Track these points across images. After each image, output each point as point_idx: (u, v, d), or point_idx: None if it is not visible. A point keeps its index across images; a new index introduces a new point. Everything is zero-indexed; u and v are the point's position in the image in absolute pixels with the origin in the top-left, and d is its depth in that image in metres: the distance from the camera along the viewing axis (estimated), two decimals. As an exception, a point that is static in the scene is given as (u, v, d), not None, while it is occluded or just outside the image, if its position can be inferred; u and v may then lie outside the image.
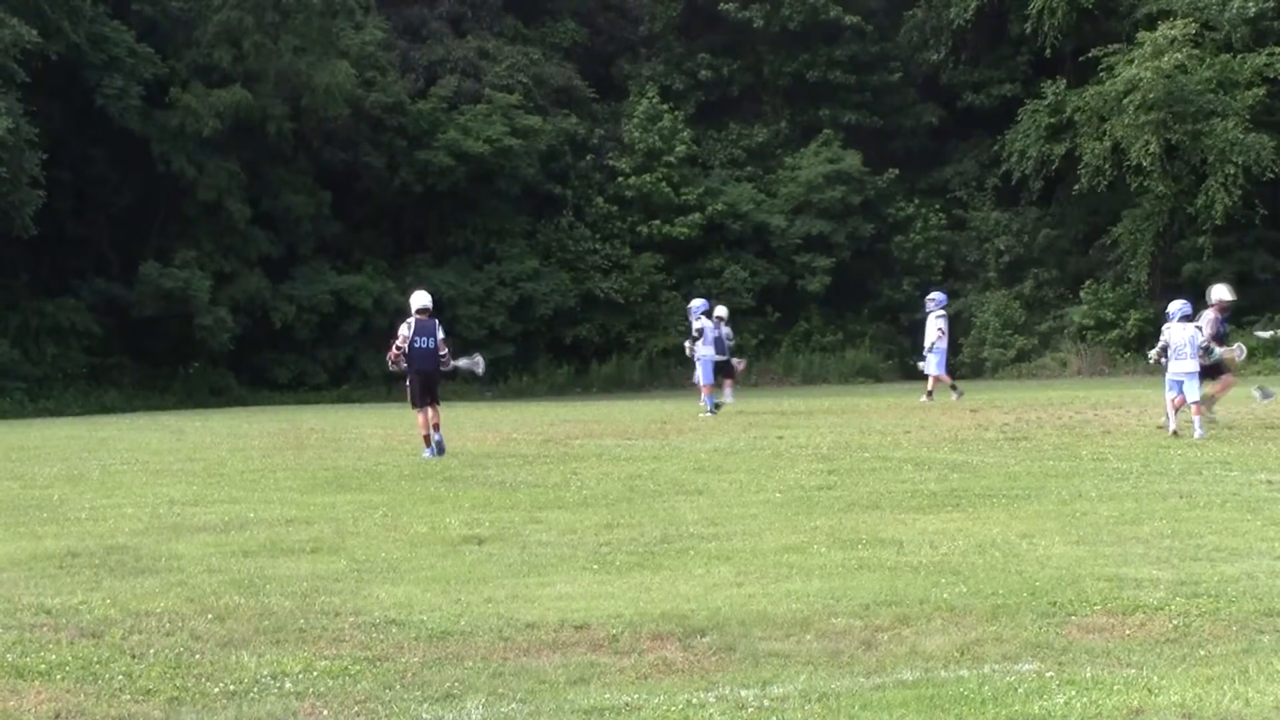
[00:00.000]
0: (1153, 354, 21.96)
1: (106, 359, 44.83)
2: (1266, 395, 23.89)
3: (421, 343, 21.52)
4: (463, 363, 23.16)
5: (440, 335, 21.91)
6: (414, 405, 21.70)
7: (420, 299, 21.84)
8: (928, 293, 34.92)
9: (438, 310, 23.62)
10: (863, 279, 54.96)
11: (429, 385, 21.57)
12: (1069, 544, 11.48)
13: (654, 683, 7.64)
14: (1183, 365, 21.10)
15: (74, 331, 43.68)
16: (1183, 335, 21.35)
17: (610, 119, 56.13)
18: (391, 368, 22.50)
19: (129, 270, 44.85)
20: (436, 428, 21.32)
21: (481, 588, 10.21)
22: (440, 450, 21.14)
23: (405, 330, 21.61)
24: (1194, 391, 20.99)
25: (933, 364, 31.50)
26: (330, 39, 47.48)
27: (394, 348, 21.78)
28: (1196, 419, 20.82)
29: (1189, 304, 22.27)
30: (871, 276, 55.46)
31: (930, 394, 31.12)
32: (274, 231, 47.91)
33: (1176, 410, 21.13)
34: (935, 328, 31.52)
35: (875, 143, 56.11)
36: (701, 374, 30.09)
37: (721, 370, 31.58)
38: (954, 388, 31.78)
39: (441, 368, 21.95)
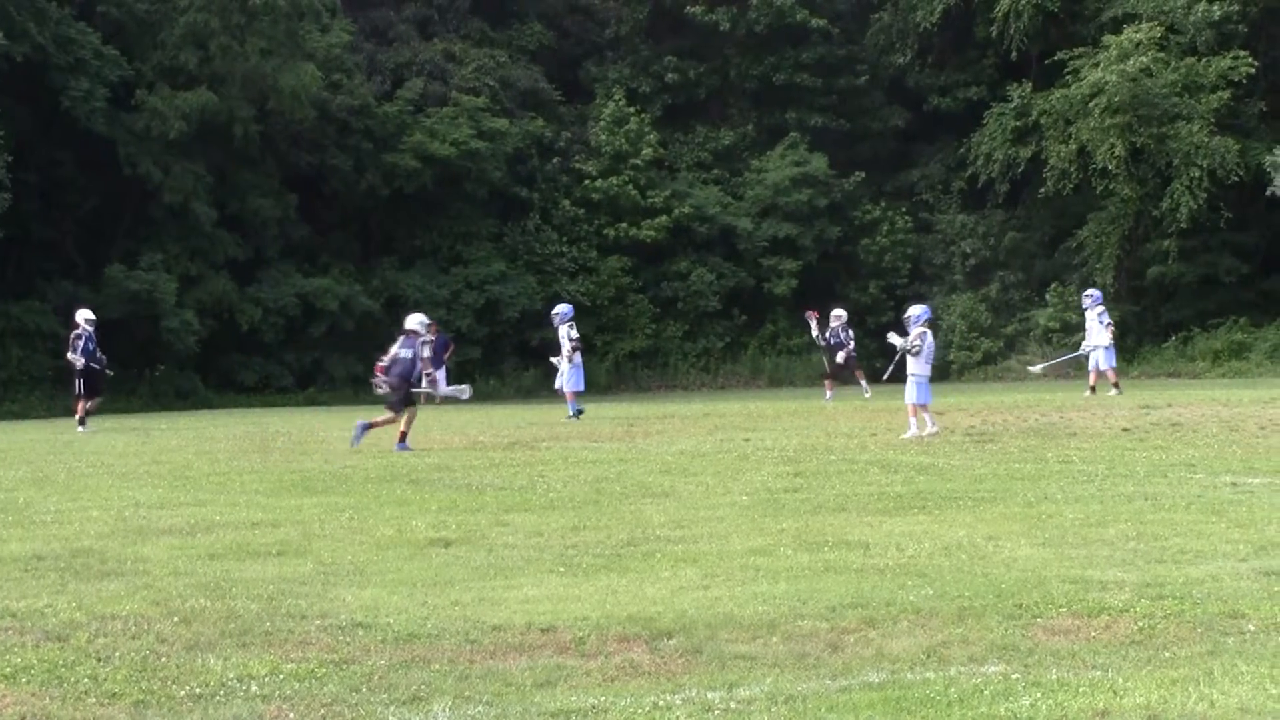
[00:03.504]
0: (903, 347, 22.93)
1: (73, 361, 44.53)
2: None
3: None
4: (448, 390, 25.43)
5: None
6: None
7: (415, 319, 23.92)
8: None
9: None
10: (829, 282, 55.01)
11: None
12: (1035, 546, 11.51)
13: (620, 685, 7.64)
14: (927, 369, 22.82)
15: (40, 334, 43.42)
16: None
17: (577, 122, 56.14)
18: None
19: (95, 273, 44.64)
20: (375, 426, 23.21)
21: (448, 590, 10.20)
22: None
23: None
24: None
25: (1102, 358, 31.82)
26: (296, 41, 47.36)
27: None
28: (914, 420, 22.48)
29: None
30: (838, 279, 55.52)
31: (1116, 385, 31.43)
32: (240, 234, 47.76)
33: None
34: (1101, 323, 31.93)
35: (842, 145, 56.23)
36: (572, 380, 30.73)
37: (842, 371, 32.82)
38: (1109, 385, 31.75)
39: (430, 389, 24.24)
